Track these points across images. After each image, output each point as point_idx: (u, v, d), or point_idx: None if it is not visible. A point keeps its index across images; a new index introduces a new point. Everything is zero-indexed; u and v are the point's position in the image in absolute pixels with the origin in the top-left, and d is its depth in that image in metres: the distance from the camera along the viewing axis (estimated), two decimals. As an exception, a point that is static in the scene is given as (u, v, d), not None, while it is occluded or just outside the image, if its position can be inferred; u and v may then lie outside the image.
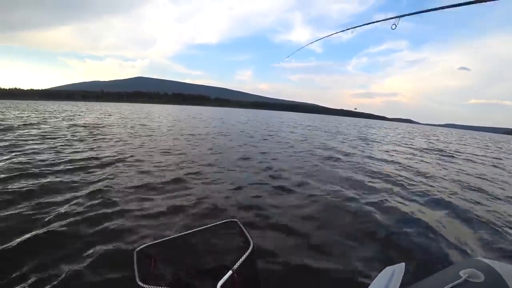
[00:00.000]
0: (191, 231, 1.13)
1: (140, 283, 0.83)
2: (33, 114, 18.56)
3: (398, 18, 1.25)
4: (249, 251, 0.93)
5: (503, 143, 28.94)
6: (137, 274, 0.88)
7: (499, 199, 4.72)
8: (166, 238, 1.09)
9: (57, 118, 16.45)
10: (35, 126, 11.00)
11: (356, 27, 1.75)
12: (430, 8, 1.23)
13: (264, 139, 10.56)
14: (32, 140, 7.36)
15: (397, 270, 1.03)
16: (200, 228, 1.14)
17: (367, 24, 1.79)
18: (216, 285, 0.78)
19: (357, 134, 18.16)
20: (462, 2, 1.02)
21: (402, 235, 2.87)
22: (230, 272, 0.83)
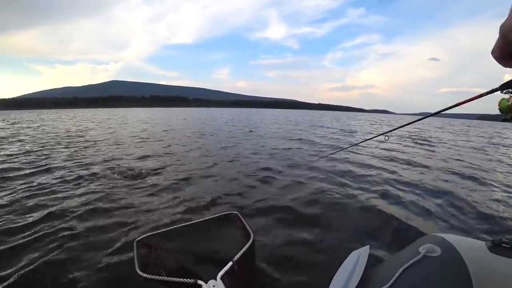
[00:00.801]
0: (191, 222, 1.13)
1: (140, 272, 0.83)
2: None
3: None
4: (249, 243, 0.93)
5: (478, 128, 30.56)
6: (136, 263, 0.88)
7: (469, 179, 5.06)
8: (166, 229, 1.09)
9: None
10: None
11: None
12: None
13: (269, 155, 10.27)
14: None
15: (362, 253, 1.07)
16: (200, 220, 1.14)
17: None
18: (216, 276, 0.77)
19: (349, 128, 18.57)
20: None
21: (369, 219, 3.04)
22: (230, 263, 0.83)
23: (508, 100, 0.58)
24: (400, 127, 1.16)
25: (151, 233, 1.06)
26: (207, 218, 1.16)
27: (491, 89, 0.63)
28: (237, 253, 0.87)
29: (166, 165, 5.60)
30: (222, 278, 0.78)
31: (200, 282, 0.76)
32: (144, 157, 6.53)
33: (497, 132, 23.55)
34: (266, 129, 16.02)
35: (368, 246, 1.12)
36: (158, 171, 5.07)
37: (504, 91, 0.59)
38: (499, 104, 0.62)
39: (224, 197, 3.69)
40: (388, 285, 0.87)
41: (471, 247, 0.99)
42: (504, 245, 0.96)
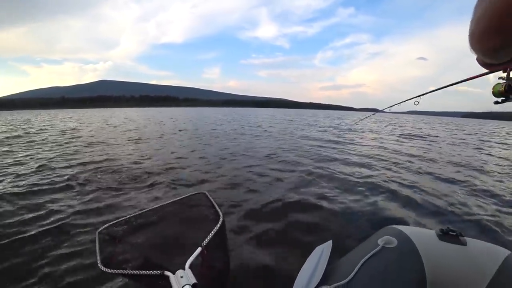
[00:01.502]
0: (157, 205, 1.07)
1: (102, 267, 0.76)
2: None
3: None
4: (218, 224, 0.88)
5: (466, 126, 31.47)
6: (98, 257, 0.81)
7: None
8: (131, 215, 1.03)
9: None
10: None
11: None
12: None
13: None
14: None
15: (325, 248, 1.11)
16: (166, 202, 1.07)
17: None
18: (185, 264, 0.72)
19: (347, 127, 18.57)
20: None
21: (331, 214, 3.10)
22: (199, 249, 0.77)
23: (501, 85, 0.62)
24: (429, 92, 1.15)
25: (113, 221, 0.98)
26: (172, 200, 1.09)
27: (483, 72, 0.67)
28: (206, 237, 0.81)
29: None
30: (191, 266, 0.72)
31: (167, 273, 0.71)
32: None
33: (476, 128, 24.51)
34: (277, 127, 15.62)
35: (330, 241, 1.17)
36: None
37: (498, 77, 0.64)
38: (493, 88, 0.66)
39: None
40: (349, 277, 0.92)
41: (423, 237, 1.09)
42: (451, 233, 1.08)
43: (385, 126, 20.29)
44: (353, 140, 10.69)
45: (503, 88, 0.63)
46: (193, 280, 0.66)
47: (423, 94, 1.06)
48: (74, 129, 14.39)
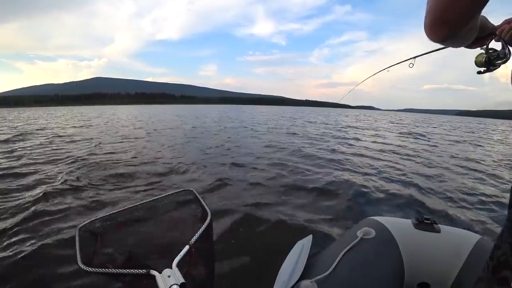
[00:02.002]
0: (142, 202, 1.03)
1: (82, 266, 0.72)
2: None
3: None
4: (206, 222, 0.85)
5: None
6: (78, 255, 0.76)
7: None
8: (114, 211, 0.98)
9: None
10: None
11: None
12: None
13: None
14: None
15: (306, 243, 1.13)
16: (152, 199, 1.04)
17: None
18: (172, 263, 0.68)
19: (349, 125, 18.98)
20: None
21: (314, 208, 3.21)
22: (187, 247, 0.75)
23: (482, 56, 0.67)
24: (424, 54, 1.12)
25: (95, 217, 0.94)
26: (158, 196, 1.06)
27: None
28: (194, 235, 0.79)
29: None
30: (178, 265, 0.69)
31: (153, 272, 0.67)
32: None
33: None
34: (301, 128, 14.95)
35: (310, 236, 1.19)
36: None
37: (480, 48, 0.69)
38: (475, 58, 0.69)
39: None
40: (329, 270, 0.93)
41: (400, 226, 1.13)
42: (426, 221, 1.13)
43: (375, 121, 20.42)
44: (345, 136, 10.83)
45: (483, 60, 0.67)
46: (181, 280, 0.64)
47: (416, 56, 1.07)
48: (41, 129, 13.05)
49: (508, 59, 0.67)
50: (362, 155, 6.75)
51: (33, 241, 2.34)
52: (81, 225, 0.90)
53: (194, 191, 1.06)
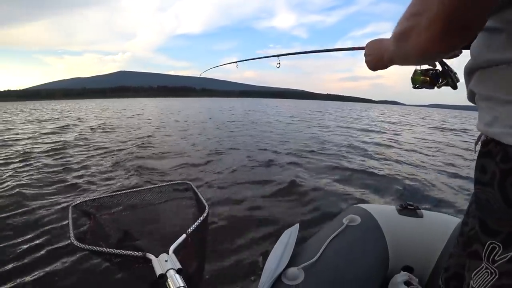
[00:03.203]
0: (138, 189, 1.00)
1: (75, 242, 0.70)
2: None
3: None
4: (204, 214, 0.84)
5: None
6: (71, 231, 0.74)
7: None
8: (109, 194, 0.95)
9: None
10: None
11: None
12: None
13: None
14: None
15: (293, 232, 1.14)
16: (148, 187, 1.01)
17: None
18: (168, 249, 0.69)
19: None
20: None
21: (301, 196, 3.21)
22: (184, 235, 0.75)
23: (420, 73, 0.66)
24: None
25: (89, 198, 0.90)
26: (156, 185, 1.03)
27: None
28: (192, 225, 0.79)
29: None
30: (174, 251, 0.69)
31: (149, 255, 0.66)
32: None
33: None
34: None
35: (297, 225, 1.20)
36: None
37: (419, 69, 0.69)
38: (413, 74, 0.68)
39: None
40: (316, 257, 0.94)
41: (384, 213, 1.19)
42: (409, 207, 1.19)
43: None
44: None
45: (428, 78, 0.67)
46: (178, 265, 0.63)
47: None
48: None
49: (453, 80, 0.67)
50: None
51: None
52: (75, 203, 0.90)
53: (192, 184, 1.06)
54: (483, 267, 0.44)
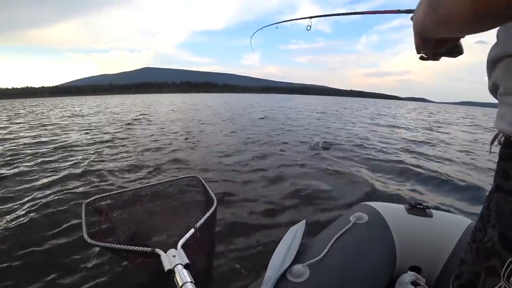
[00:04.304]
0: (148, 184, 1.05)
1: (88, 239, 0.74)
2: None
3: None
4: (212, 208, 0.85)
5: None
6: (84, 229, 0.78)
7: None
8: (120, 191, 0.99)
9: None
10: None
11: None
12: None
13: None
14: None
15: (299, 228, 1.11)
16: (158, 182, 1.06)
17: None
18: (177, 244, 0.69)
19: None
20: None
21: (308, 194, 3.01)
22: (192, 230, 0.76)
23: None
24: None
25: (102, 195, 0.94)
26: (165, 180, 1.07)
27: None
28: (200, 219, 0.79)
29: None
30: (183, 246, 0.69)
31: (158, 251, 0.67)
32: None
33: None
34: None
35: (304, 221, 1.15)
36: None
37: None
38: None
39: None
40: (322, 254, 0.91)
41: (393, 211, 1.15)
42: (418, 206, 1.15)
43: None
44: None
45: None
46: (186, 260, 0.63)
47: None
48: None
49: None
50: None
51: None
52: (88, 200, 0.91)
53: (200, 178, 1.07)
54: (501, 286, 0.38)
